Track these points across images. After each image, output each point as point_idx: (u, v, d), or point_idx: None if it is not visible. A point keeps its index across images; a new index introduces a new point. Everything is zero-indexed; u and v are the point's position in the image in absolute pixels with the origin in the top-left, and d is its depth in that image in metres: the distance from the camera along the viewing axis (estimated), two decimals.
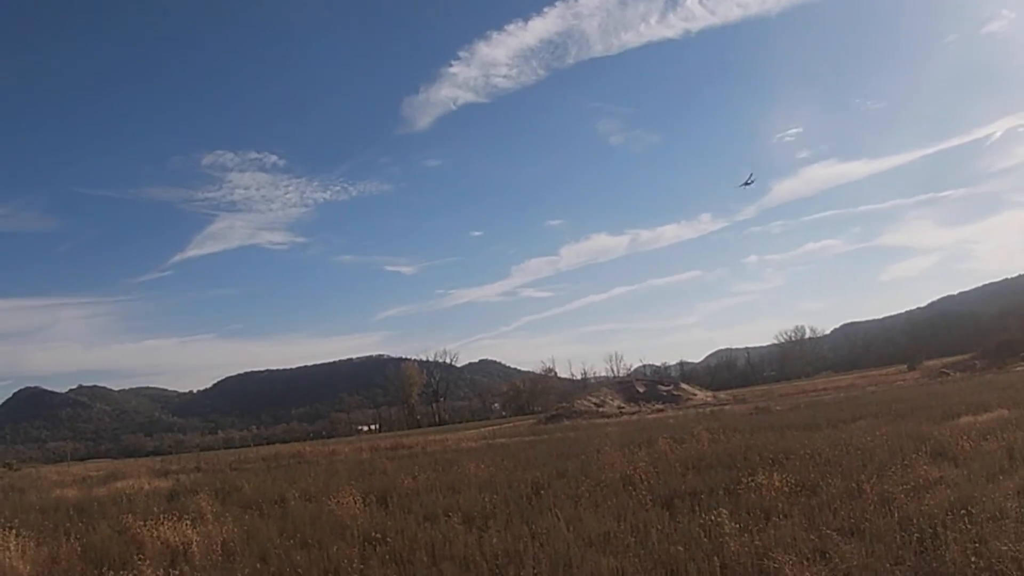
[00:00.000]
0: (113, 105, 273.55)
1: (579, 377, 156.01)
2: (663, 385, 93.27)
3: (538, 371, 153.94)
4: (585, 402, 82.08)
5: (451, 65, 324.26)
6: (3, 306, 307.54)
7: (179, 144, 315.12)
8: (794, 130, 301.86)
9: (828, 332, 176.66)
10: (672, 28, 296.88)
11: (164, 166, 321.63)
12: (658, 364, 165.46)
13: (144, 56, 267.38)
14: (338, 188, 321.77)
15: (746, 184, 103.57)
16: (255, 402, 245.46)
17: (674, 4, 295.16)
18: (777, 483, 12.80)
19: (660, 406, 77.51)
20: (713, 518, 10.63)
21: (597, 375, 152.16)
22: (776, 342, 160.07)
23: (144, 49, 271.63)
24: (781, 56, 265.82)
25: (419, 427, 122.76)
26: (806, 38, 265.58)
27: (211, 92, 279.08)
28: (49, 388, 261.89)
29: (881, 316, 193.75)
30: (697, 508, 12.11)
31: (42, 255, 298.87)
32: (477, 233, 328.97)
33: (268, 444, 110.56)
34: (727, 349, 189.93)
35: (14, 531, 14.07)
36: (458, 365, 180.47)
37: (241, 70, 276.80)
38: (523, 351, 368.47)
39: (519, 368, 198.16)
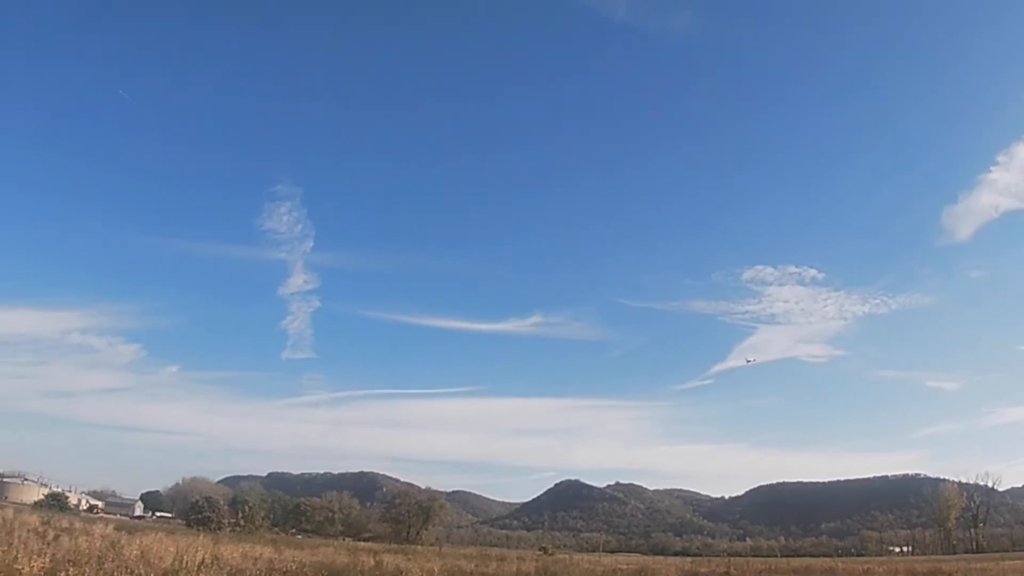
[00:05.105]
0: (656, 226, 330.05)
1: None
2: None
3: None
4: None
5: (990, 171, 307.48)
6: (555, 405, 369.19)
7: (721, 260, 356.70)
8: None
9: None
10: None
11: (706, 281, 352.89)
12: None
13: (679, 185, 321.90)
14: (877, 301, 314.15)
15: None
16: (785, 512, 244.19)
17: None
18: None
19: None
20: None
21: None
22: None
23: (673, 181, 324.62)
24: None
25: (955, 553, 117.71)
26: None
27: (751, 210, 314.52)
28: (588, 482, 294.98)
29: None
30: None
31: (592, 361, 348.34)
32: None
33: (796, 556, 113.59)
34: None
35: None
36: (1000, 489, 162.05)
37: (777, 189, 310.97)
38: None
39: None
